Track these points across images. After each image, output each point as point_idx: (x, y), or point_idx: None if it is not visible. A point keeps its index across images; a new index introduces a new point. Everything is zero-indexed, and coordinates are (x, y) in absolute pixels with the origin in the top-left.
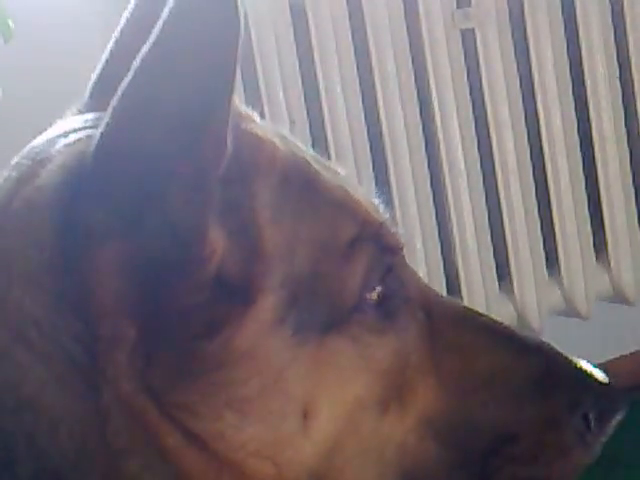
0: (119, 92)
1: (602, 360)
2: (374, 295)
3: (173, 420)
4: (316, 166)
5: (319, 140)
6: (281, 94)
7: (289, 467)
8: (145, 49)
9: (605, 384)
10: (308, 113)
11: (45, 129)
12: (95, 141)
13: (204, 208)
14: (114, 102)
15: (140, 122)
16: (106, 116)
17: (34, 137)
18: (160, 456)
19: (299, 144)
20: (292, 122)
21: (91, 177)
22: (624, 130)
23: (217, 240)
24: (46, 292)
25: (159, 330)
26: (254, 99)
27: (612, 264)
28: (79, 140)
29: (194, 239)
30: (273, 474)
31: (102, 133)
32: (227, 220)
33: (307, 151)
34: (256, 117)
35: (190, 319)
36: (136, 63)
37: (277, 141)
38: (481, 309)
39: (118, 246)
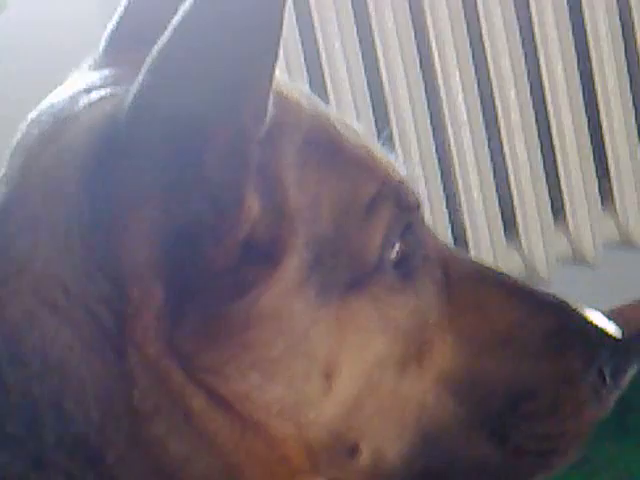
0: (156, 50)
1: (611, 307)
2: (394, 254)
3: (199, 383)
4: (338, 125)
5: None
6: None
7: (311, 427)
8: (187, 4)
9: (619, 338)
10: (308, 70)
11: (39, 102)
12: (128, 100)
13: (243, 173)
14: (150, 61)
15: (180, 82)
16: (140, 75)
17: (29, 110)
18: (185, 419)
19: (322, 102)
20: None
21: (124, 139)
22: (627, 77)
23: (252, 204)
24: (74, 255)
25: (187, 293)
26: None
27: (618, 209)
28: (103, 98)
29: (232, 204)
30: (295, 434)
31: (136, 93)
32: (258, 183)
33: (330, 110)
34: (278, 74)
35: (218, 281)
36: (177, 19)
37: (302, 100)
38: (488, 261)
39: (151, 210)
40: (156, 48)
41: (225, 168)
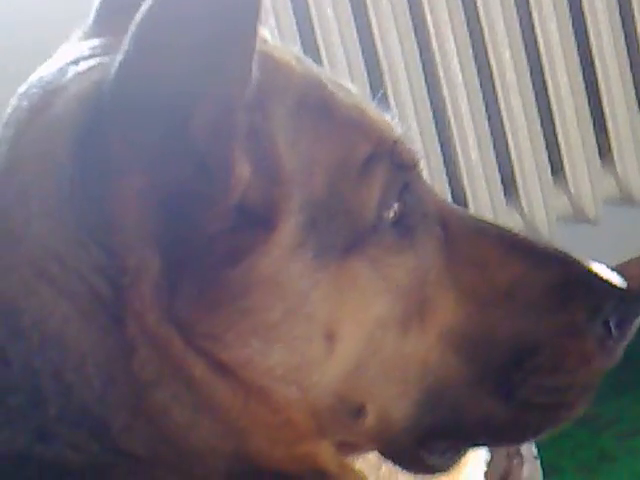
0: (138, 17)
1: (613, 264)
2: (391, 213)
3: (199, 350)
4: (330, 86)
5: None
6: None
7: (315, 390)
8: None
9: (624, 289)
10: (300, 33)
11: (29, 75)
12: (114, 69)
13: (231, 137)
14: (134, 28)
15: (164, 48)
16: (125, 43)
17: (20, 84)
18: (187, 386)
19: (313, 64)
20: None
21: (111, 106)
22: (623, 36)
23: (242, 168)
24: (67, 225)
25: (184, 259)
26: None
27: (617, 166)
28: (92, 68)
29: (221, 169)
30: (299, 398)
31: (121, 61)
32: (249, 147)
33: (321, 71)
34: (268, 37)
35: (214, 247)
36: None
37: (292, 62)
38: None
39: (141, 177)
40: (138, 15)
41: (213, 134)
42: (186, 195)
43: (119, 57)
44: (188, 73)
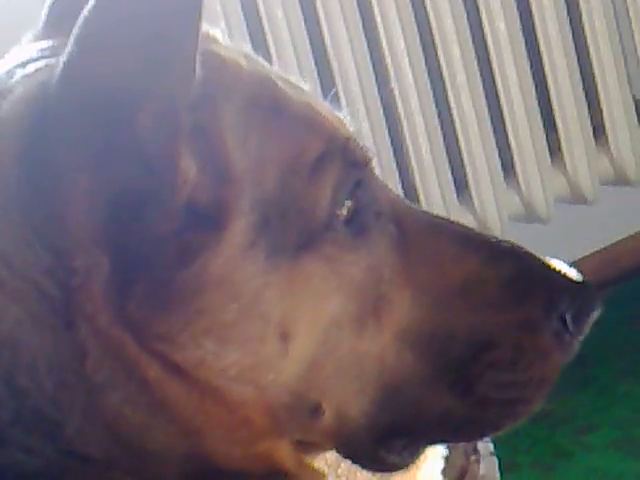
0: (81, 18)
1: (566, 261)
2: (344, 211)
3: (152, 351)
4: (281, 84)
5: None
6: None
7: (270, 389)
8: None
9: (580, 283)
10: (249, 33)
11: None
12: (58, 70)
13: (175, 136)
14: (76, 29)
15: (106, 48)
16: (68, 44)
17: None
18: (141, 388)
19: (263, 62)
20: None
21: (55, 108)
22: (570, 34)
23: (188, 167)
24: (14, 226)
25: (134, 260)
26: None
27: (567, 165)
28: (39, 70)
29: (166, 167)
30: (255, 397)
31: (65, 62)
32: (195, 146)
33: (272, 69)
34: (219, 36)
35: (163, 248)
36: None
37: (241, 61)
38: None
39: (88, 177)
40: (81, 16)
41: (157, 133)
42: (133, 195)
43: (63, 58)
44: (130, 72)
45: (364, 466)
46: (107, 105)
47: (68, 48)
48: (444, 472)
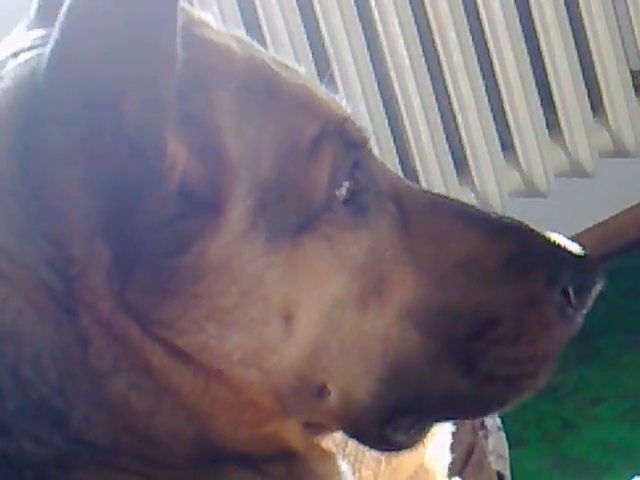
0: (64, 6)
1: (567, 236)
2: (343, 192)
3: (156, 337)
4: (275, 67)
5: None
6: None
7: (275, 372)
8: None
9: (581, 256)
10: (243, 16)
11: None
12: (45, 58)
13: (160, 119)
14: (60, 17)
15: (87, 36)
16: (54, 32)
17: None
18: (146, 374)
19: (257, 45)
20: None
21: (44, 96)
22: (565, 9)
23: (177, 152)
24: (12, 218)
25: (132, 248)
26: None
27: (566, 139)
28: (29, 59)
29: (153, 152)
30: (260, 380)
31: (51, 50)
32: (187, 131)
33: (266, 52)
34: (212, 21)
35: (161, 234)
36: None
37: (233, 45)
38: None
39: (80, 165)
40: (64, 5)
41: (142, 118)
42: (125, 182)
43: (49, 47)
44: (112, 59)
45: (371, 446)
46: (94, 91)
47: (53, 36)
48: (452, 448)
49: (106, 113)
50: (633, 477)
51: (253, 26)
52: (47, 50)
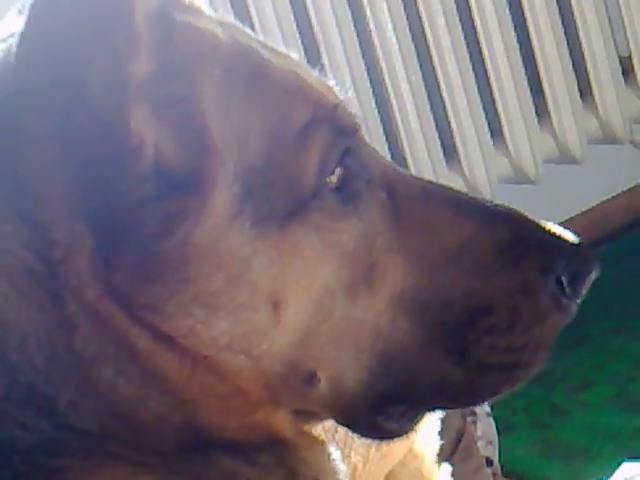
0: None
1: (557, 222)
2: (334, 179)
3: (142, 322)
4: (264, 52)
5: None
6: None
7: (264, 359)
8: None
9: (576, 245)
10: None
11: None
12: (15, 42)
13: (124, 100)
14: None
15: (54, 19)
16: (24, 16)
17: None
18: (132, 359)
19: (246, 31)
20: None
21: (16, 79)
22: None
23: (143, 131)
24: None
25: (115, 232)
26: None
27: (555, 126)
28: (8, 44)
29: (118, 132)
30: (248, 367)
31: (21, 32)
32: (167, 114)
33: (256, 38)
34: (203, 7)
35: (142, 217)
36: None
37: (219, 31)
38: None
39: (53, 144)
40: None
41: (107, 97)
42: (98, 163)
43: (20, 29)
44: (78, 40)
45: (363, 434)
46: (61, 71)
47: (24, 18)
48: (441, 434)
49: (73, 95)
50: (622, 462)
51: (242, 12)
52: (18, 32)
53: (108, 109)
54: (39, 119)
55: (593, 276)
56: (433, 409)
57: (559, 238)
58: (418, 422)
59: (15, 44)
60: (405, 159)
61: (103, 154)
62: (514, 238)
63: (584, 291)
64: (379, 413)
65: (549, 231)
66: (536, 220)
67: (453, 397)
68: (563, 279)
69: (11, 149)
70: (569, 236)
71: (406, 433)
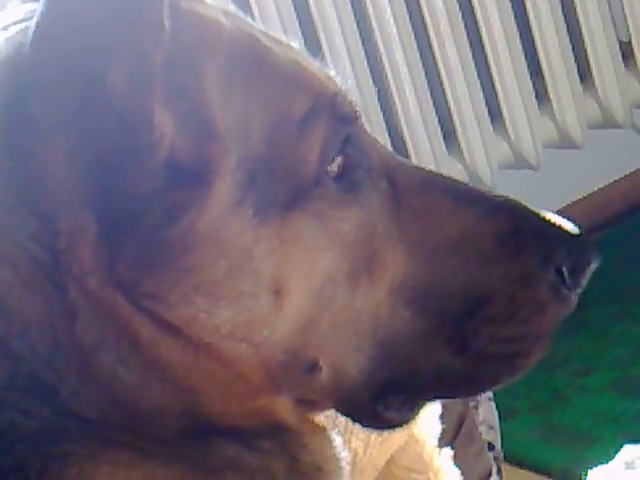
0: None
1: (556, 208)
2: (334, 167)
3: (144, 311)
4: (266, 41)
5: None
6: None
7: (265, 346)
8: None
9: (576, 235)
10: None
11: None
12: (31, 30)
13: (148, 91)
14: None
15: (72, 6)
16: (39, 5)
17: None
18: (134, 348)
19: (247, 19)
20: None
21: (30, 69)
22: None
23: (165, 124)
24: None
25: (120, 221)
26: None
27: (555, 111)
28: (20, 32)
29: (140, 124)
30: (250, 354)
31: (37, 22)
32: (176, 103)
33: (257, 27)
34: None
35: (149, 207)
36: None
37: (222, 19)
38: None
39: (67, 137)
40: None
41: (130, 90)
42: (112, 154)
43: (35, 19)
44: (98, 29)
45: (364, 424)
46: (79, 62)
47: (39, 8)
48: (442, 419)
49: (92, 85)
50: (622, 446)
51: (242, 1)
52: (33, 22)
53: (130, 101)
54: (52, 109)
55: (593, 266)
56: (433, 399)
57: (559, 228)
58: (418, 412)
59: (31, 31)
60: (405, 144)
61: (119, 147)
62: (514, 228)
63: (584, 281)
64: (379, 403)
65: (549, 221)
66: (536, 210)
67: (453, 387)
68: (563, 269)
69: (22, 138)
70: (569, 226)
71: (406, 423)
